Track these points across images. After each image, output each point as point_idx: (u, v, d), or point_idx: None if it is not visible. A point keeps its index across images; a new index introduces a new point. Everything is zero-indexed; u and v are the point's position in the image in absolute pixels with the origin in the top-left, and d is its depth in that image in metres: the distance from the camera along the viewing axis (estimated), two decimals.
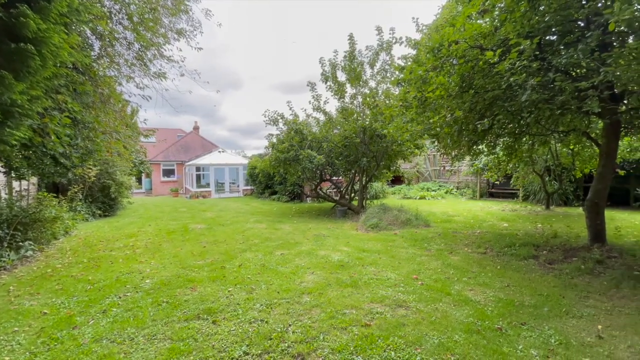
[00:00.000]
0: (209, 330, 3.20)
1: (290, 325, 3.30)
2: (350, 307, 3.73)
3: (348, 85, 11.67)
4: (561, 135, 6.69)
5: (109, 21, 7.22)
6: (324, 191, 12.75)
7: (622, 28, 4.26)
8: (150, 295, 4.16)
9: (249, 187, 23.08)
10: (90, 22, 5.99)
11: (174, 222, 10.43)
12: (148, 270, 5.24)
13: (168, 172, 26.94)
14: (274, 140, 12.05)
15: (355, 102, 11.69)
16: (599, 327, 3.21)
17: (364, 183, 11.16)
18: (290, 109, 12.40)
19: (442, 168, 18.67)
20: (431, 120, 5.73)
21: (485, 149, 7.74)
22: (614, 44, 4.51)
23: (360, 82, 11.45)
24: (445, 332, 3.14)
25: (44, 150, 5.73)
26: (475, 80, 4.85)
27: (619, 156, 9.63)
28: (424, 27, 6.91)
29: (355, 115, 10.93)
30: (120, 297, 4.12)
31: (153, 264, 5.60)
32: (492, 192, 15.50)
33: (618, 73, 4.50)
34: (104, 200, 11.94)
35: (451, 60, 4.96)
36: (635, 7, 3.73)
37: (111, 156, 10.93)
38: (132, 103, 9.16)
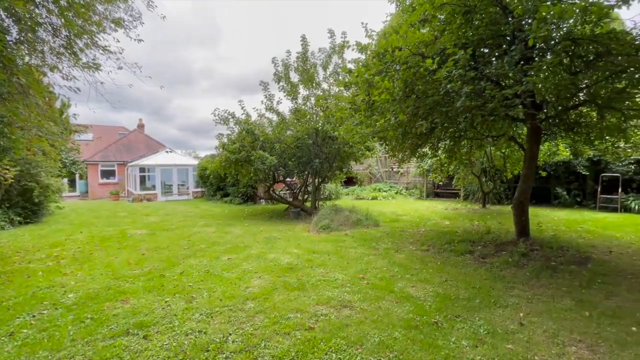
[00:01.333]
0: (138, 347, 2.93)
1: (230, 334, 3.14)
2: (295, 310, 3.67)
3: (301, 87, 11.67)
4: (494, 139, 7.31)
5: (29, 3, 6.38)
6: (277, 193, 12.58)
7: (541, 45, 4.76)
8: (72, 312, 3.70)
9: (199, 189, 22.01)
10: (3, 1, 5.23)
11: (110, 228, 9.54)
12: (73, 283, 4.69)
13: (107, 174, 24.66)
14: (225, 140, 11.63)
15: (308, 103, 11.72)
16: (521, 314, 3.52)
17: (317, 184, 11.20)
18: (242, 108, 12.07)
19: (390, 169, 19.47)
20: (378, 123, 5.90)
21: (429, 152, 8.19)
22: (535, 58, 5.02)
23: (314, 84, 11.51)
24: (386, 329, 3.22)
25: None
26: (417, 86, 5.09)
27: (541, 159, 10.81)
28: (373, 33, 7.13)
29: (308, 116, 10.94)
30: (34, 316, 3.61)
31: (80, 276, 5.02)
32: (437, 192, 16.52)
33: (539, 85, 5.03)
34: (24, 205, 10.52)
35: (395, 65, 5.15)
36: (550, 27, 4.18)
37: (34, 155, 9.68)
38: (62, 96, 8.20)
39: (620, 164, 11.10)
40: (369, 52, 5.94)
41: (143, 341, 3.03)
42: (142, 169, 21.07)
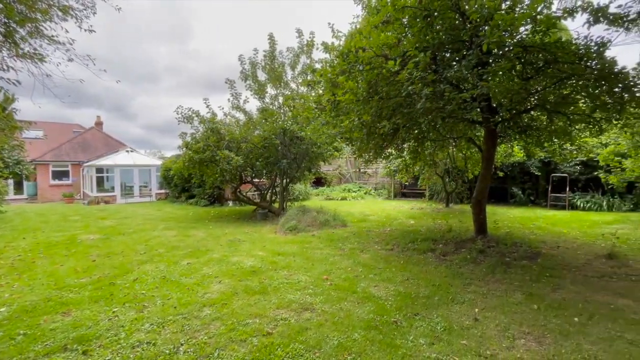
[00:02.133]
0: None
1: (182, 344, 2.95)
2: (254, 316, 3.53)
3: (269, 86, 11.49)
4: (454, 140, 7.58)
5: None
6: (244, 194, 12.27)
7: (496, 50, 4.98)
8: (2, 328, 3.32)
9: (163, 191, 21.03)
10: None
11: (59, 233, 8.80)
12: (7, 295, 4.23)
13: (60, 175, 22.86)
14: (188, 139, 11.17)
15: (276, 102, 11.56)
16: (476, 310, 3.64)
17: (284, 185, 11.05)
18: (208, 106, 11.67)
19: (357, 169, 19.72)
20: (342, 124, 5.90)
21: (394, 153, 8.34)
22: (492, 63, 5.25)
23: (282, 84, 11.38)
24: (346, 331, 3.18)
25: None
26: (380, 87, 5.14)
27: (498, 160, 11.41)
28: (340, 34, 7.14)
29: (275, 116, 10.78)
30: None
31: (16, 287, 4.55)
32: (404, 192, 16.96)
33: (495, 90, 5.27)
34: None
35: (358, 66, 5.17)
36: (503, 34, 4.38)
37: None
38: (6, 91, 7.42)
39: (567, 165, 11.99)
40: (335, 52, 5.93)
41: (82, 357, 2.77)
42: (99, 170, 19.77)
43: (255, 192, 13.91)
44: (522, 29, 5.15)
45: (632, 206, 10.65)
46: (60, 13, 7.70)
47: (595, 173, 10.91)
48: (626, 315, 3.45)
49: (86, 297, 4.13)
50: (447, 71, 5.08)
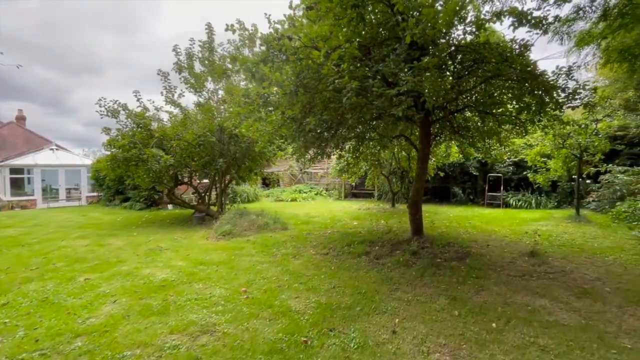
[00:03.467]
0: None
1: None
2: (138, 345, 2.92)
3: (209, 79, 10.66)
4: (391, 140, 7.47)
5: None
6: (179, 196, 11.27)
7: (424, 45, 4.84)
8: None
9: (95, 194, 18.97)
10: None
11: None
12: None
13: None
14: (115, 135, 9.99)
15: (216, 97, 10.77)
16: (397, 320, 3.36)
17: (223, 186, 10.31)
18: (138, 100, 10.56)
19: (301, 169, 19.36)
20: (269, 119, 5.44)
21: (336, 152, 8.05)
22: (421, 58, 5.11)
23: (222, 78, 10.61)
24: (244, 358, 2.70)
25: None
26: (308, 79, 4.75)
27: (439, 161, 11.70)
28: (276, 24, 6.67)
29: (213, 111, 9.99)
30: None
31: None
32: (355, 193, 16.94)
33: (428, 87, 5.13)
34: None
35: (281, 55, 4.74)
36: (428, 26, 4.20)
37: None
38: None
39: (502, 165, 12.68)
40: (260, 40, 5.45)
41: None
42: (15, 170, 17.26)
43: (194, 194, 12.91)
44: (454, 30, 5.13)
45: (556, 203, 11.50)
46: None
47: (525, 173, 11.62)
48: (541, 317, 3.39)
49: None
50: (376, 66, 4.84)
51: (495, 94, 5.68)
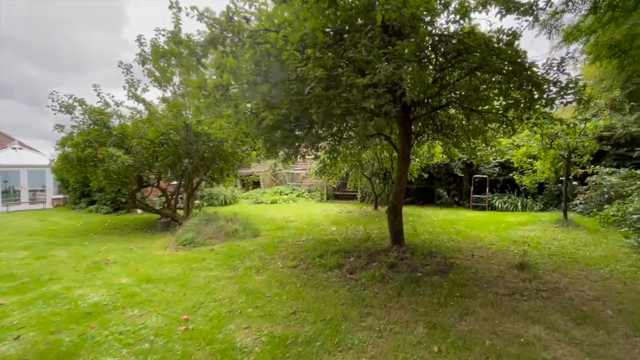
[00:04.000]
0: None
1: None
2: None
3: (178, 73, 9.80)
4: (370, 139, 6.86)
5: None
6: (143, 200, 10.39)
7: (400, 28, 4.22)
8: None
9: (62, 196, 17.75)
10: None
11: None
12: None
13: None
14: (70, 132, 9.10)
15: (180, 92, 9.93)
16: None
17: (191, 189, 9.49)
18: (99, 94, 9.66)
19: (272, 170, 18.57)
20: (227, 114, 4.74)
21: (311, 152, 7.39)
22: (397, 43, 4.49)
23: (191, 72, 9.77)
24: None
25: None
26: (265, 67, 4.07)
27: (423, 161, 11.18)
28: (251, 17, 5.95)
29: (180, 107, 9.17)
30: None
31: None
32: (337, 195, 16.32)
33: (406, 78, 4.51)
34: None
35: (234, 37, 4.04)
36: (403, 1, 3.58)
37: None
38: None
39: (487, 167, 12.27)
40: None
41: None
42: None
43: (161, 197, 12.03)
44: (437, 19, 4.57)
45: (542, 206, 11.15)
46: None
47: (511, 174, 11.24)
48: (537, 353, 2.80)
49: None
50: (347, 53, 4.20)
51: (481, 89, 5.11)
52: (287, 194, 16.90)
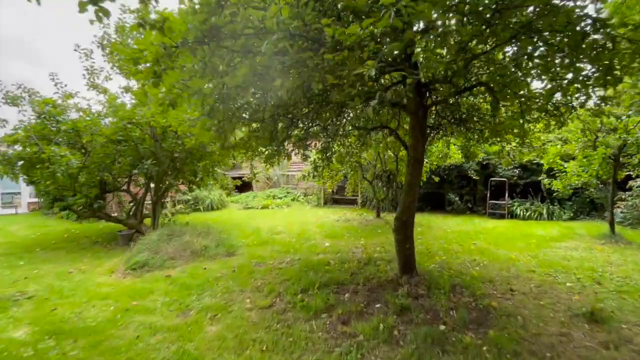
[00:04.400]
0: None
1: None
2: None
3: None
4: (368, 132, 5.39)
5: None
6: (102, 210, 8.91)
7: None
8: None
9: (37, 200, 16.37)
10: None
11: None
12: None
13: None
14: (18, 127, 7.70)
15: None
16: None
17: (158, 195, 8.03)
18: (57, 84, 8.30)
19: (252, 170, 17.02)
20: (168, 94, 3.31)
21: (298, 151, 5.93)
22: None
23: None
24: None
25: None
26: (204, 14, 2.60)
27: (433, 162, 9.68)
28: None
29: (145, 99, 7.74)
30: None
31: None
32: (335, 199, 14.84)
33: (421, 58, 3.07)
34: None
35: None
36: None
37: None
38: None
39: (506, 168, 10.75)
40: None
41: None
42: None
43: (131, 204, 10.59)
44: None
45: (572, 214, 9.62)
46: None
47: (535, 177, 9.71)
48: None
49: None
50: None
51: (524, 64, 3.58)
52: (280, 198, 15.43)
